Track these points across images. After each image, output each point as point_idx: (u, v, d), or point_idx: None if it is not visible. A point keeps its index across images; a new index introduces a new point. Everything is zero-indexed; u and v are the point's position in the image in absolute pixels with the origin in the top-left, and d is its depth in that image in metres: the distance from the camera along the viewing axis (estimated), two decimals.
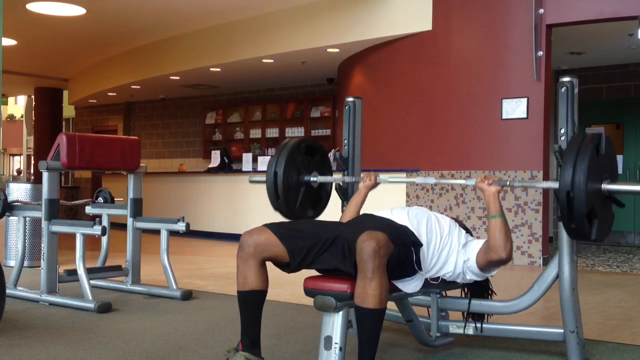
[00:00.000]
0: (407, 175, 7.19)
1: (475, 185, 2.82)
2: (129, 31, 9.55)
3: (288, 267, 2.53)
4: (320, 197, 3.29)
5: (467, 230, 2.97)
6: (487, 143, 6.63)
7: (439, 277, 2.79)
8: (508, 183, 2.77)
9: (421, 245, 2.63)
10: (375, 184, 3.14)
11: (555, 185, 2.55)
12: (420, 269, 2.60)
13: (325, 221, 2.70)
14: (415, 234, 2.66)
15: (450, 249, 2.77)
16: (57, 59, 11.53)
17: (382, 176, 3.15)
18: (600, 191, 2.51)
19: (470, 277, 2.83)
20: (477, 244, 2.83)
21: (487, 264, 2.77)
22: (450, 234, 2.80)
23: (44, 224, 4.25)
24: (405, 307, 2.92)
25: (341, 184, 3.35)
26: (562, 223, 2.58)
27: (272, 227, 2.55)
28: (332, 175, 3.29)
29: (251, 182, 3.49)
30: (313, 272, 2.57)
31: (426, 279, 2.72)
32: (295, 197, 3.12)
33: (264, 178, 3.12)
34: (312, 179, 3.19)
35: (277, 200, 3.06)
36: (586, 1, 6.18)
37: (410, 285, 2.59)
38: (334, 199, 3.45)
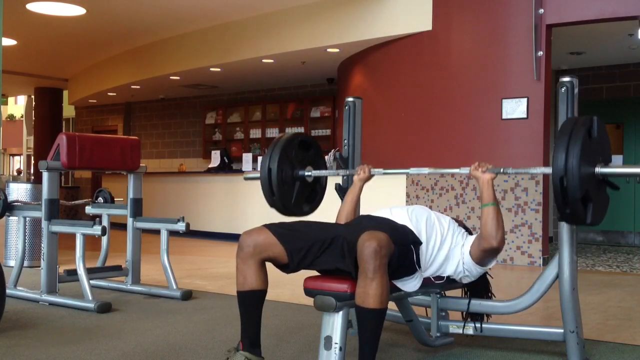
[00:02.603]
0: (407, 175, 7.19)
1: (469, 173, 2.82)
2: (129, 31, 9.56)
3: (287, 267, 2.53)
4: (315, 191, 3.28)
5: (468, 230, 2.97)
6: (487, 143, 6.63)
7: (442, 275, 2.79)
8: (502, 170, 2.77)
9: (421, 243, 2.63)
10: (369, 176, 3.13)
11: (548, 170, 2.54)
12: (419, 267, 2.60)
13: (325, 222, 2.70)
14: (415, 232, 2.66)
15: (450, 248, 2.77)
16: (57, 59, 11.54)
17: (375, 170, 3.14)
18: (594, 175, 2.50)
19: (468, 274, 2.82)
20: (471, 239, 2.84)
21: (480, 254, 2.76)
22: (450, 233, 2.80)
23: (44, 224, 4.25)
24: (405, 307, 2.92)
25: (341, 183, 3.35)
26: (556, 208, 2.58)
27: (272, 227, 2.55)
28: (326, 169, 3.28)
29: (246, 179, 3.46)
30: (313, 272, 2.57)
31: (429, 278, 2.73)
32: (290, 192, 3.11)
33: (258, 175, 3.12)
34: (306, 173, 3.18)
35: (272, 196, 3.06)
36: (586, 1, 6.18)
37: (409, 285, 2.59)
38: (334, 200, 3.45)
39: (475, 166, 2.80)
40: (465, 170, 2.85)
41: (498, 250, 2.74)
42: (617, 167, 2.55)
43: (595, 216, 2.50)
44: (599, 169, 2.50)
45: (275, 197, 3.05)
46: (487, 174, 2.76)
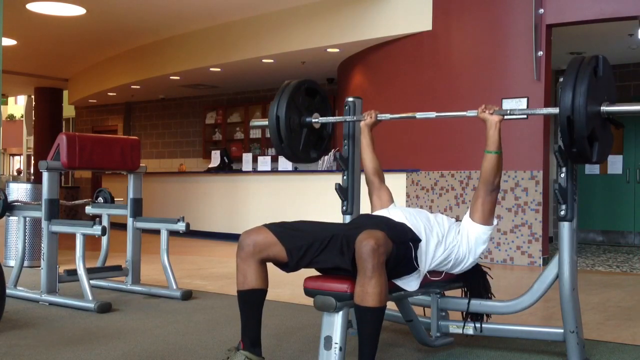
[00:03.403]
0: (407, 175, 7.20)
1: (477, 115, 2.85)
2: (129, 31, 9.56)
3: (286, 266, 2.54)
4: (322, 138, 3.33)
5: None
6: None
7: (442, 271, 2.79)
8: (508, 111, 2.81)
9: (420, 240, 2.63)
10: (375, 121, 3.18)
11: (555, 110, 2.57)
12: (419, 265, 2.60)
13: (325, 222, 2.70)
14: (414, 230, 2.66)
15: (449, 243, 2.77)
16: (57, 59, 11.54)
17: (382, 116, 3.17)
18: (600, 113, 2.53)
19: (472, 257, 2.83)
20: (466, 216, 2.90)
21: (480, 210, 2.82)
22: (447, 229, 2.80)
23: (44, 224, 4.25)
24: (405, 307, 2.92)
25: (341, 183, 3.35)
26: (563, 146, 2.61)
27: (271, 226, 2.56)
28: (332, 115, 3.31)
29: (252, 126, 3.54)
30: (313, 272, 2.57)
31: (428, 276, 2.73)
32: (298, 139, 3.16)
33: (266, 122, 3.15)
34: (313, 120, 3.21)
35: (281, 143, 3.10)
36: (586, 1, 6.18)
37: (410, 283, 2.59)
38: (335, 200, 3.45)
39: (482, 108, 2.84)
40: (472, 113, 2.89)
41: (496, 191, 2.82)
42: (622, 105, 2.59)
43: (600, 154, 2.55)
44: (604, 107, 2.54)
45: (284, 143, 3.09)
46: (495, 115, 2.80)
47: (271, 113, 3.08)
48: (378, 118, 3.17)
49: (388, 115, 3.16)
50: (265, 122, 3.18)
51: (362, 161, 3.21)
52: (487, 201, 2.83)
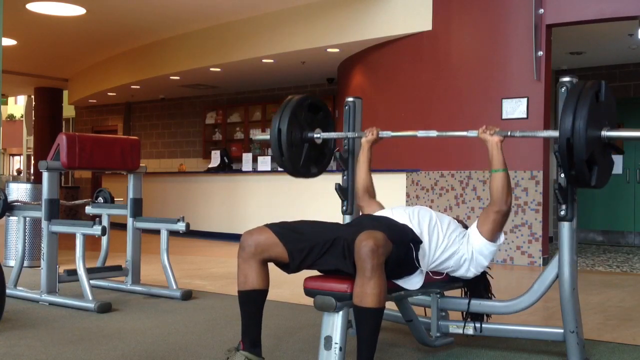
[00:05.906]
0: (407, 175, 7.20)
1: (477, 135, 2.85)
2: (129, 31, 9.56)
3: (287, 267, 2.54)
4: (323, 154, 3.34)
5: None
6: None
7: (443, 272, 2.79)
8: (509, 133, 2.81)
9: (421, 242, 2.63)
10: (377, 139, 3.17)
11: (555, 133, 2.58)
12: (420, 265, 2.59)
13: (327, 222, 2.70)
14: (416, 232, 2.66)
15: (451, 245, 2.77)
16: (57, 59, 11.54)
17: (383, 133, 3.17)
18: (600, 138, 2.54)
19: (473, 267, 2.82)
20: (474, 228, 2.85)
21: (490, 226, 2.79)
22: (453, 233, 2.80)
23: (44, 224, 4.25)
24: (405, 307, 2.92)
25: (341, 183, 3.35)
26: (562, 170, 2.61)
27: (273, 227, 2.55)
28: (334, 131, 3.32)
29: (255, 140, 3.54)
30: (313, 272, 2.57)
31: (430, 275, 2.73)
32: (299, 154, 3.18)
33: (267, 136, 3.16)
34: (315, 135, 3.22)
35: (282, 157, 3.12)
36: (586, 1, 6.18)
37: (411, 282, 2.58)
38: (335, 200, 3.45)
39: (482, 129, 2.84)
40: (473, 133, 2.89)
41: (507, 213, 2.79)
42: (623, 131, 2.59)
43: (600, 179, 2.55)
44: (605, 132, 2.54)
45: (285, 157, 3.11)
46: (495, 136, 2.80)
47: (273, 127, 3.10)
48: (380, 135, 3.16)
49: (390, 133, 3.16)
50: (267, 137, 3.19)
51: (356, 177, 3.20)
52: (497, 220, 2.80)
